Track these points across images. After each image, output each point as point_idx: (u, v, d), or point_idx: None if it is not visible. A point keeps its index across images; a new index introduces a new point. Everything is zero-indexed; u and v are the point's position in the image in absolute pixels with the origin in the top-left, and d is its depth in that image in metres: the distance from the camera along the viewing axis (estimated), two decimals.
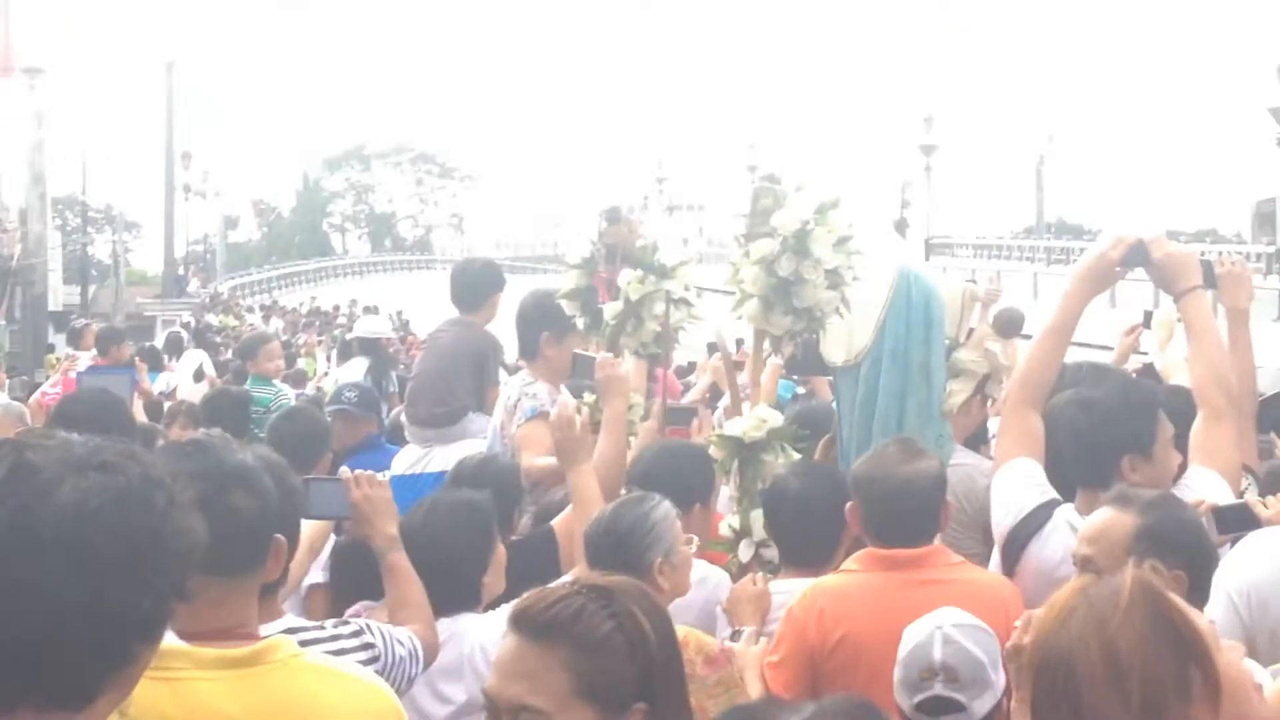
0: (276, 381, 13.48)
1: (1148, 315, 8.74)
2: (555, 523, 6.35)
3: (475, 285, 9.88)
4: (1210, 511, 4.87)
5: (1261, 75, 47.15)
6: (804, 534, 6.02)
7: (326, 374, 21.35)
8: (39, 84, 38.71)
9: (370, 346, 15.75)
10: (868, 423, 6.96)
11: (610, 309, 7.68)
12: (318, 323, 42.53)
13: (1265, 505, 5.04)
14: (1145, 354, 8.98)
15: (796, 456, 6.81)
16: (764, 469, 6.76)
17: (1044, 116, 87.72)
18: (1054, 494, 5.29)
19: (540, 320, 8.62)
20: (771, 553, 6.45)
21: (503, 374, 12.28)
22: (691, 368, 15.55)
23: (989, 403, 7.49)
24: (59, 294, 54.23)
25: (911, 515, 5.38)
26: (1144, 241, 5.49)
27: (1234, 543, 4.96)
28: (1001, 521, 5.25)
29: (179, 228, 69.70)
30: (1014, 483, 5.30)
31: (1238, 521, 4.95)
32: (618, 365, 6.91)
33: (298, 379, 19.91)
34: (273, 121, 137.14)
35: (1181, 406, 5.57)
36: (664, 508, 5.23)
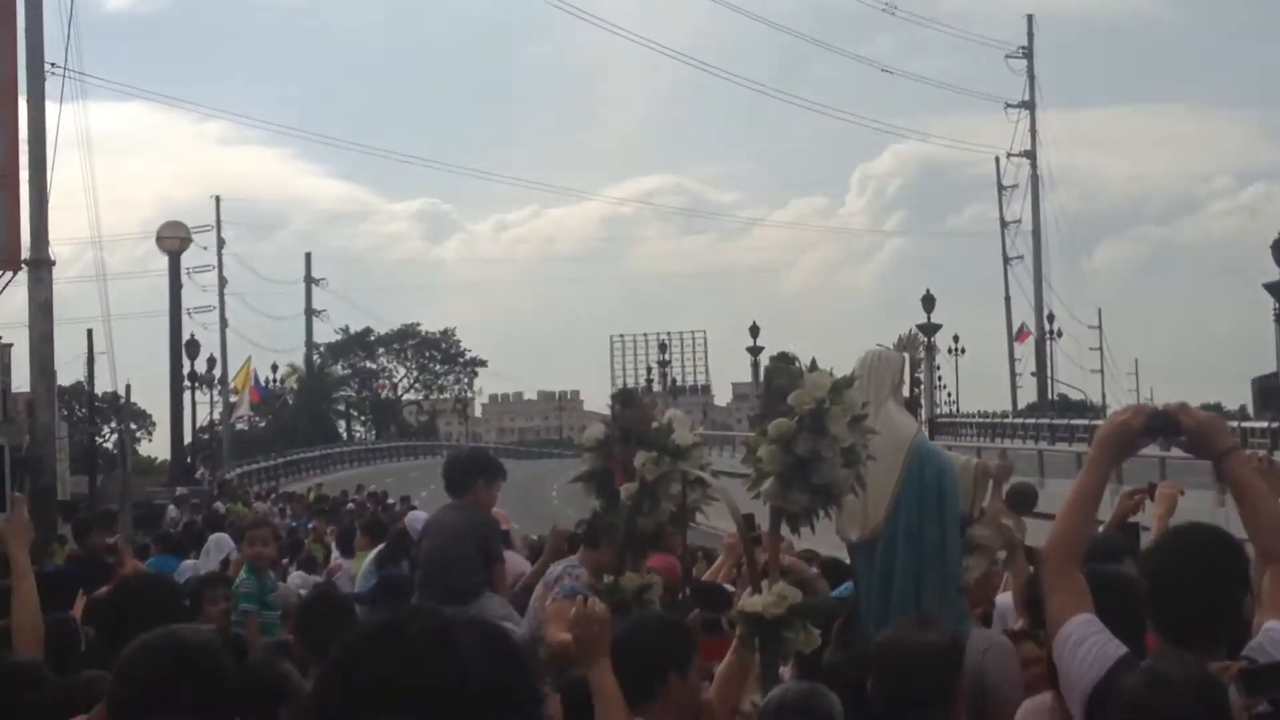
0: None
1: (1152, 486, 8.76)
2: None
3: (462, 472, 10.13)
4: (1238, 674, 4.84)
5: (1258, 252, 47.52)
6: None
7: (338, 559, 21.26)
8: (45, 276, 39.01)
9: (380, 530, 15.83)
10: (886, 600, 6.98)
11: (626, 490, 7.75)
12: (326, 509, 42.45)
13: None
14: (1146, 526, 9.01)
15: (817, 634, 6.83)
16: (785, 646, 6.78)
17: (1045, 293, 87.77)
18: (1126, 648, 5.24)
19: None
20: None
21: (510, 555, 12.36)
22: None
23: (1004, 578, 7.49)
24: (67, 483, 54.21)
25: (923, 686, 5.38)
26: (1169, 410, 5.50)
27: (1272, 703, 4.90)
28: (1083, 677, 5.15)
29: (185, 416, 69.80)
30: (1090, 638, 5.21)
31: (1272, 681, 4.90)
32: (593, 622, 5.91)
33: (307, 565, 19.87)
34: (277, 306, 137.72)
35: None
36: None
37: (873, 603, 7.01)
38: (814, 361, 7.25)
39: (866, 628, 6.98)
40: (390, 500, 46.73)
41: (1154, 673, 4.51)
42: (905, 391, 7.93)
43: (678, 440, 7.75)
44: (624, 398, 8.36)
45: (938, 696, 5.39)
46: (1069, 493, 5.44)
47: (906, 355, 8.08)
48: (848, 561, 10.30)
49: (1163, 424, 5.35)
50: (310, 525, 32.64)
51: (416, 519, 15.88)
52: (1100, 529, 8.17)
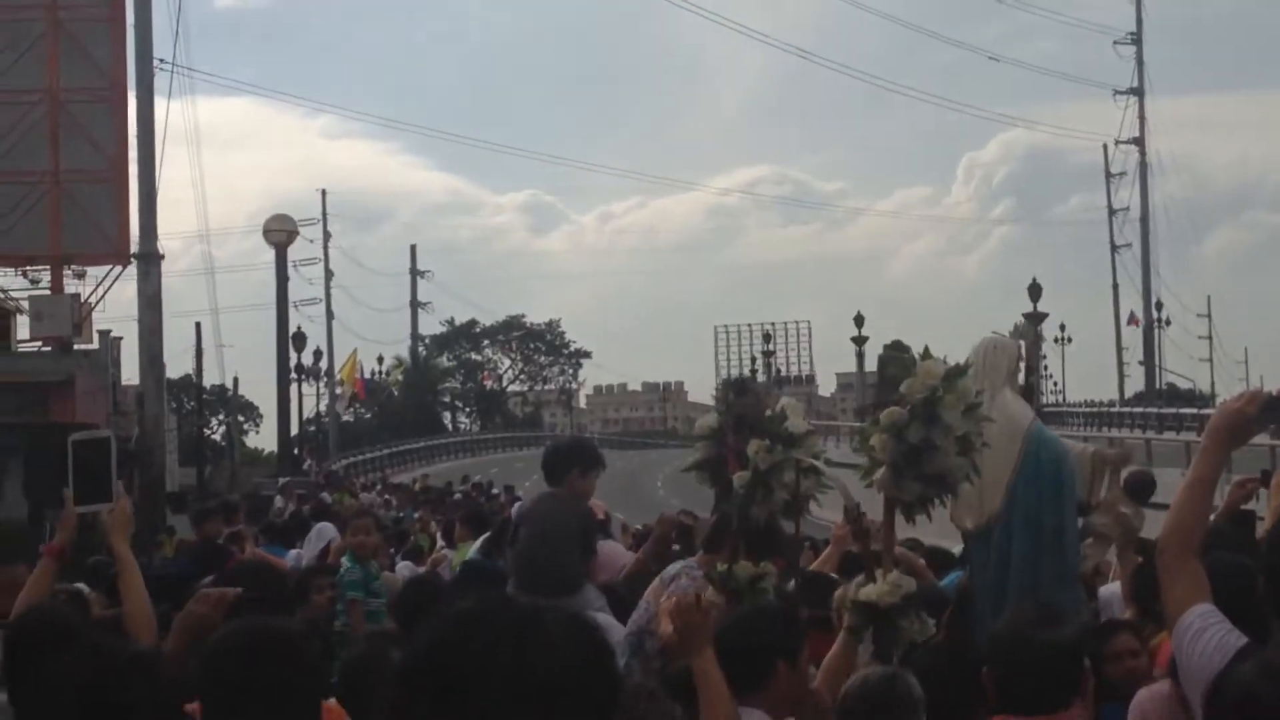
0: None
1: (1266, 475, 8.63)
2: None
3: (558, 461, 10.08)
4: None
5: None
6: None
7: (443, 549, 21.33)
8: (154, 270, 39.39)
9: (482, 521, 15.85)
10: (1002, 589, 6.89)
11: (740, 479, 7.71)
12: (431, 499, 42.63)
13: None
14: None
15: (932, 623, 6.77)
16: (900, 635, 6.72)
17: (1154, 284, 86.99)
18: (1247, 638, 5.14)
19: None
20: None
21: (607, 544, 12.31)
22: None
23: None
24: (175, 475, 54.76)
25: (1048, 682, 5.27)
26: (1274, 396, 5.40)
27: None
28: (1203, 669, 5.05)
29: (291, 408, 70.32)
30: (1211, 627, 5.11)
31: None
32: (693, 612, 5.88)
33: (413, 555, 19.92)
34: (382, 299, 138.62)
35: None
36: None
37: (989, 590, 6.93)
38: (926, 349, 7.18)
39: (983, 616, 6.88)
40: (495, 490, 46.86)
41: (1268, 663, 4.39)
42: (1020, 379, 7.84)
43: (791, 428, 7.68)
44: (737, 386, 8.31)
45: (1061, 689, 5.30)
46: (1183, 481, 5.35)
47: (1022, 343, 8.00)
48: (954, 551, 10.25)
49: (1274, 411, 5.25)
50: (415, 515, 32.81)
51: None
52: (1211, 518, 8.04)
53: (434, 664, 2.49)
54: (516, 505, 17.32)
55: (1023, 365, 7.91)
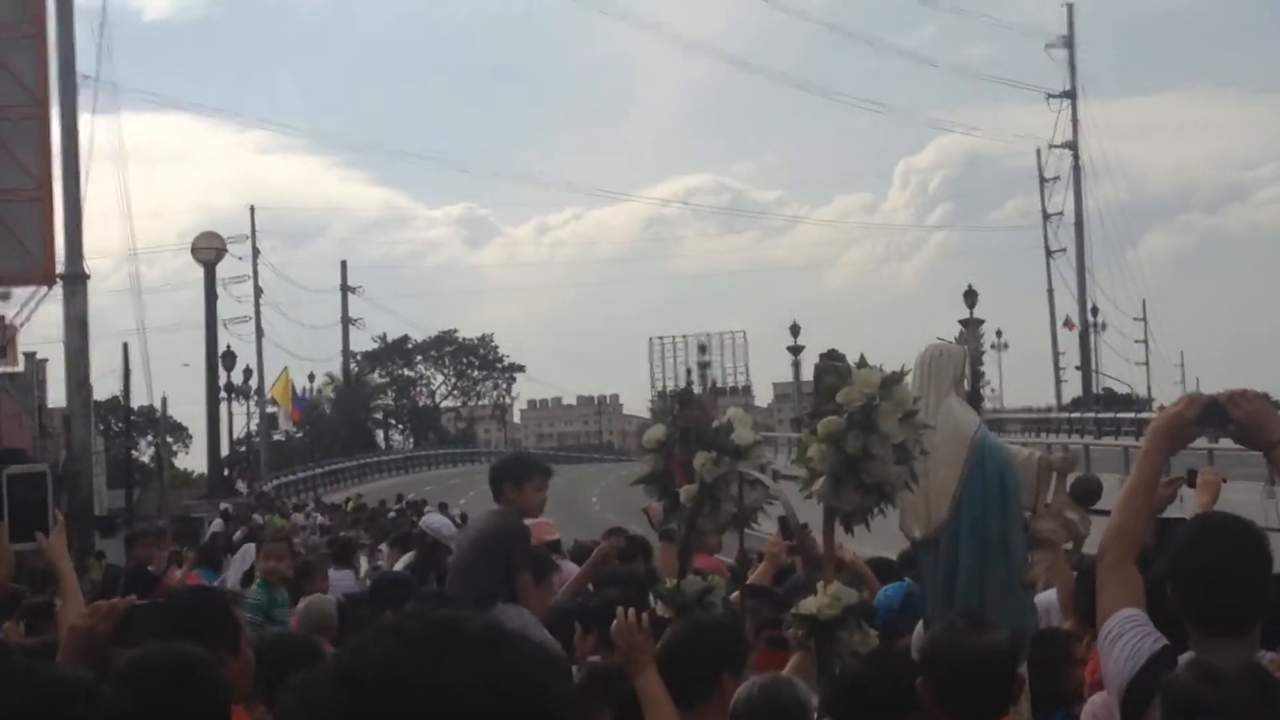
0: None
1: (1192, 474, 8.57)
2: None
3: (492, 478, 9.89)
4: None
5: None
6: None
7: (373, 569, 21.16)
8: (80, 290, 39.03)
9: (416, 541, 15.65)
10: (951, 597, 6.85)
11: (687, 492, 7.61)
12: (363, 519, 42.39)
13: None
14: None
15: (874, 634, 6.70)
16: (841, 647, 6.64)
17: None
18: (1166, 641, 5.11)
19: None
20: None
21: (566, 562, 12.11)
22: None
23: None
24: (104, 498, 54.37)
25: (980, 688, 5.27)
26: (1219, 400, 5.36)
27: None
28: (1120, 672, 5.05)
29: (221, 428, 69.99)
30: (1128, 632, 5.11)
31: None
32: (634, 633, 5.94)
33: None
34: (314, 316, 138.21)
35: None
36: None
37: (938, 599, 6.88)
38: (862, 358, 7.12)
39: (931, 625, 6.82)
40: (428, 508, 46.66)
41: (1203, 665, 4.40)
42: (966, 385, 7.78)
43: (738, 440, 7.61)
44: (683, 397, 8.21)
45: (994, 696, 5.26)
46: (1124, 487, 5.33)
47: (967, 349, 7.92)
48: (895, 561, 10.16)
49: (1213, 415, 5.24)
50: (347, 536, 32.58)
51: (430, 523, 15.70)
52: None
53: (350, 681, 2.37)
54: (423, 519, 17.15)
55: (969, 371, 7.83)
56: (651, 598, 7.74)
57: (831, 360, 7.23)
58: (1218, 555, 4.90)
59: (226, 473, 61.94)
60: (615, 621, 5.98)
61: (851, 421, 6.84)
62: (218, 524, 38.82)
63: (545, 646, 2.46)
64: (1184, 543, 5.15)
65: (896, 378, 6.98)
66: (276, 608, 11.15)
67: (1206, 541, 5.00)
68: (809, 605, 6.79)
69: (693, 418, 7.96)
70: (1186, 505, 8.63)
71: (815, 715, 5.76)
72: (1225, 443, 5.42)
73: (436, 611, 2.48)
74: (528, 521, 11.37)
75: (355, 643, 2.45)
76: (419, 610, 2.54)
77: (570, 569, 11.77)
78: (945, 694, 5.29)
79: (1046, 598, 8.29)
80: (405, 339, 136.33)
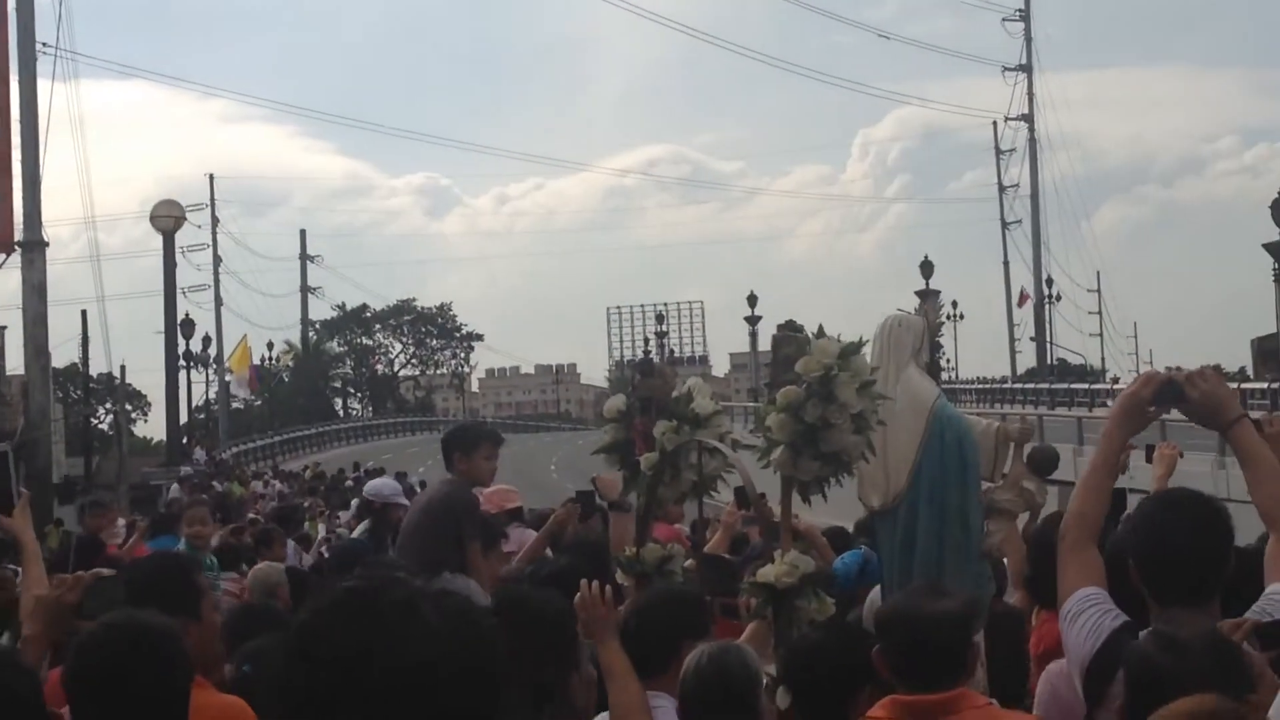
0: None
1: (1149, 449, 8.63)
2: None
3: (446, 446, 9.92)
4: (1254, 628, 4.77)
5: (1259, 212, 47.38)
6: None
7: (330, 537, 21.15)
8: (38, 258, 38.86)
9: (367, 509, 15.64)
10: (908, 566, 6.90)
11: (647, 460, 7.66)
12: (322, 487, 42.37)
13: None
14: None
15: (831, 602, 6.74)
16: (798, 615, 6.69)
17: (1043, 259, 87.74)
18: (1126, 617, 5.16)
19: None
20: None
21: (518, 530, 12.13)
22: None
23: None
24: (62, 466, 54.19)
25: (935, 656, 5.24)
26: (1175, 380, 5.41)
27: None
28: (1081, 649, 5.10)
29: (180, 396, 69.77)
30: (1086, 610, 5.16)
31: None
32: (597, 605, 5.97)
33: (304, 543, 19.73)
34: (274, 285, 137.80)
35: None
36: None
37: (895, 569, 6.93)
38: (820, 328, 7.17)
39: (889, 594, 6.87)
40: (381, 476, 46.61)
41: (1164, 635, 4.44)
42: (926, 356, 7.83)
43: (698, 409, 7.65)
44: (643, 367, 8.26)
45: (949, 664, 5.26)
46: (1086, 466, 5.37)
47: (926, 320, 7.98)
48: (850, 530, 10.23)
49: (1169, 393, 5.29)
50: (305, 504, 32.56)
51: (374, 488, 15.73)
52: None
53: (310, 656, 2.42)
54: (367, 485, 17.15)
55: (928, 342, 7.88)
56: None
57: (790, 330, 7.27)
58: (1178, 533, 4.95)
59: (185, 441, 61.81)
60: (579, 594, 6.02)
61: (810, 391, 6.87)
62: (175, 490, 38.76)
63: (471, 613, 2.51)
64: (1144, 520, 5.19)
65: (854, 347, 7.01)
66: (206, 571, 11.17)
67: (1168, 520, 5.04)
68: (766, 573, 6.81)
69: (653, 387, 8.00)
70: (1139, 477, 8.71)
71: (765, 683, 5.80)
72: (1176, 414, 5.47)
73: (361, 581, 2.52)
74: (490, 489, 11.41)
75: (308, 617, 2.48)
76: (352, 580, 2.57)
77: (530, 536, 11.82)
78: (900, 662, 5.27)
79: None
80: (364, 308, 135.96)
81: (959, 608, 5.43)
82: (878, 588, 7.92)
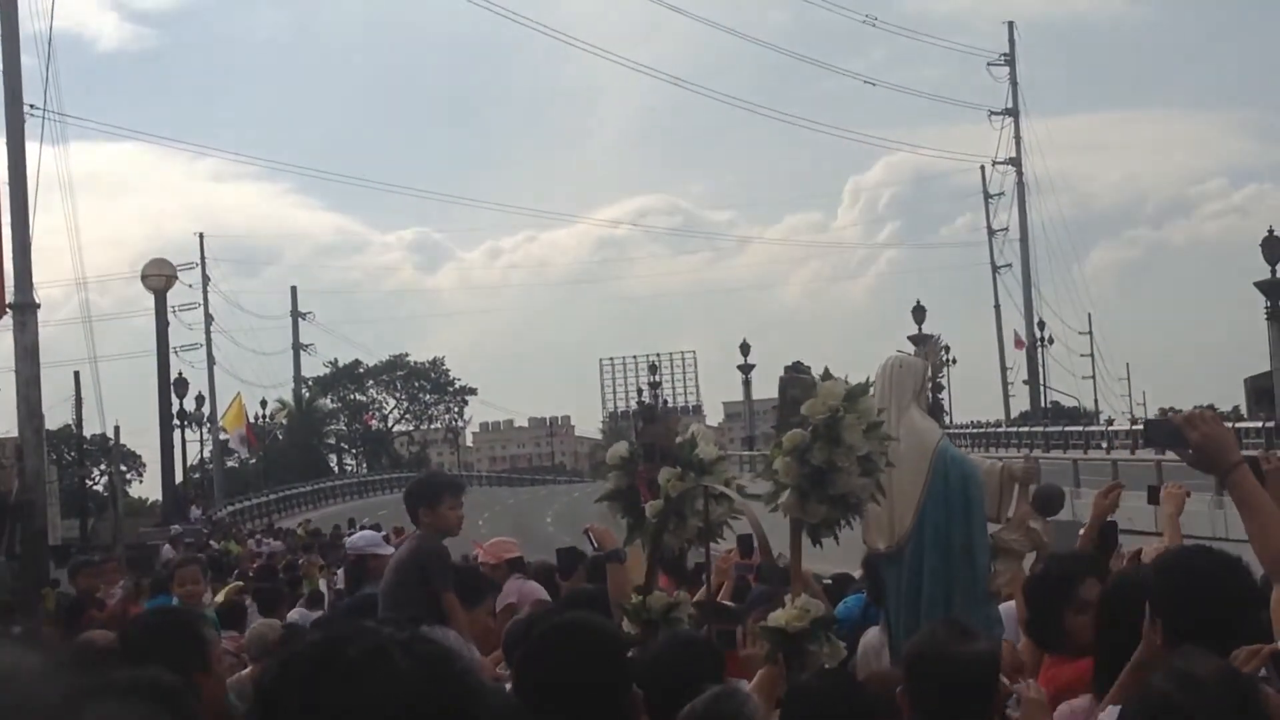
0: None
1: (1153, 490, 8.57)
2: None
3: (409, 502, 9.88)
4: (1270, 656, 4.72)
5: (1250, 252, 47.40)
6: None
7: (336, 591, 21.08)
8: (30, 320, 38.82)
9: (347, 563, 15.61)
10: (915, 608, 6.86)
11: (652, 508, 7.62)
12: (317, 544, 42.26)
13: None
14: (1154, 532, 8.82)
15: (842, 646, 6.70)
16: (810, 659, 6.64)
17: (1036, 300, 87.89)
18: None
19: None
20: None
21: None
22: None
23: None
24: (58, 528, 54.01)
25: (968, 697, 5.21)
26: (1173, 422, 5.35)
27: None
28: None
29: (175, 455, 69.60)
30: None
31: None
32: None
33: (315, 601, 19.65)
34: (266, 342, 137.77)
35: None
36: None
37: (903, 610, 6.89)
38: (826, 370, 7.12)
39: (897, 636, 6.83)
40: (383, 532, 46.47)
41: (1180, 672, 4.35)
42: (928, 398, 7.81)
43: (702, 455, 7.61)
44: (646, 413, 8.23)
45: (981, 705, 5.22)
46: (1255, 517, 5.24)
47: (928, 361, 7.96)
48: (856, 576, 10.19)
49: (1168, 435, 5.23)
50: (300, 561, 32.46)
51: (351, 541, 15.66)
52: (1081, 530, 7.99)
53: (281, 705, 2.42)
54: (348, 539, 17.10)
55: (930, 383, 7.87)
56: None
57: (796, 372, 7.24)
58: (1207, 598, 4.89)
59: (183, 499, 61.63)
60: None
61: (816, 434, 6.85)
62: (168, 550, 38.61)
63: (445, 658, 2.50)
64: (1171, 583, 5.13)
65: (861, 389, 6.98)
66: None
67: (1194, 586, 4.97)
68: (777, 618, 6.78)
69: (656, 433, 7.97)
70: (1136, 519, 8.66)
71: None
72: (1171, 454, 5.41)
73: (330, 631, 2.54)
74: (489, 541, 11.37)
75: (276, 667, 2.50)
76: (320, 632, 2.59)
77: (533, 588, 11.77)
78: (931, 702, 5.24)
79: (1008, 608, 8.29)
80: (356, 364, 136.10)
81: (990, 648, 5.39)
82: (872, 629, 7.87)
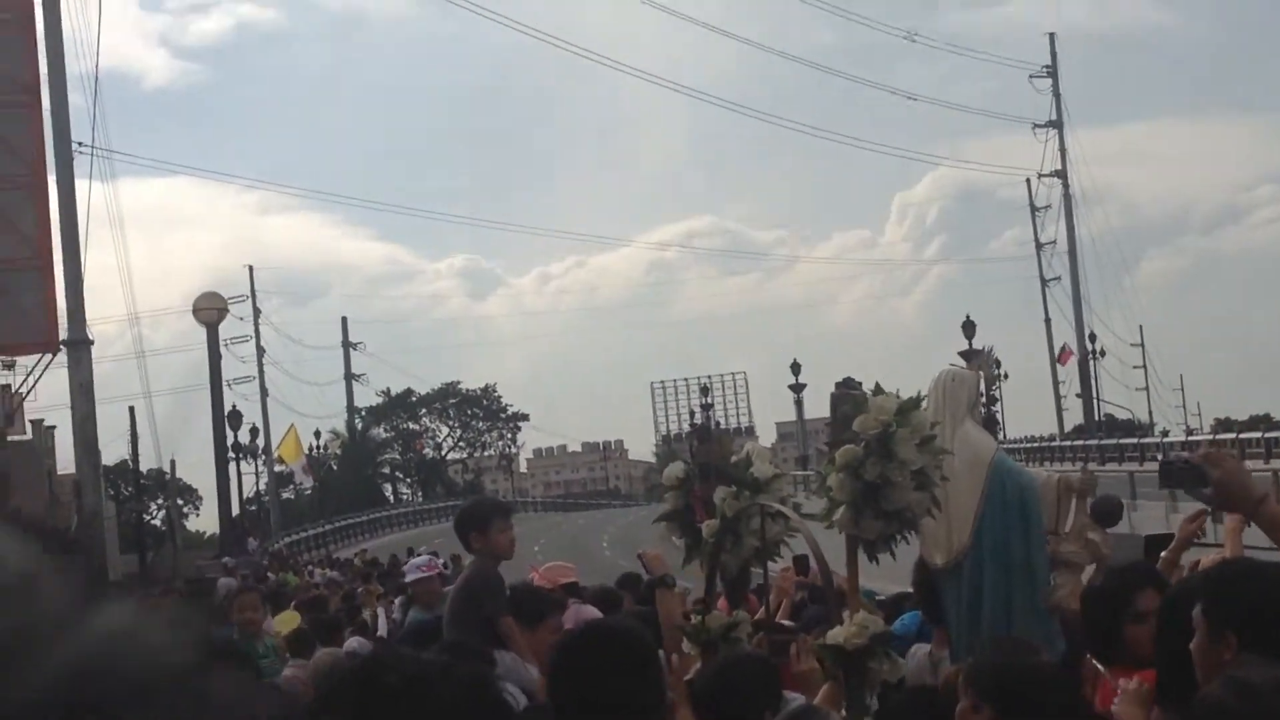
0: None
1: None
2: None
3: (460, 530, 9.86)
4: None
5: None
6: None
7: (392, 620, 21.11)
8: (84, 356, 39.05)
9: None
10: (975, 624, 6.81)
11: (709, 528, 7.60)
12: (375, 574, 42.30)
13: None
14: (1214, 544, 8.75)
15: (902, 662, 6.66)
16: (870, 676, 6.60)
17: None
18: None
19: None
20: None
21: None
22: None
23: None
24: (117, 563, 54.23)
25: (1054, 707, 5.11)
26: (1193, 461, 5.23)
27: None
28: None
29: (231, 488, 69.85)
30: None
31: None
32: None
33: (362, 630, 19.67)
34: (318, 373, 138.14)
35: None
36: None
37: (962, 626, 6.84)
38: (877, 385, 7.09)
39: (958, 652, 6.78)
40: (441, 559, 46.46)
41: (1237, 680, 4.30)
42: (981, 411, 7.77)
43: (757, 474, 7.59)
44: (701, 434, 8.22)
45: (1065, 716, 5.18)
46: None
47: (981, 374, 7.91)
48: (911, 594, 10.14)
49: (1188, 476, 5.12)
50: (359, 590, 32.49)
51: (408, 565, 15.69)
52: (1163, 554, 7.93)
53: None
54: (407, 565, 17.10)
55: (984, 396, 7.83)
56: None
57: (847, 388, 7.22)
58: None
59: (241, 530, 61.83)
60: None
61: (869, 449, 6.83)
62: (226, 583, 38.70)
63: (484, 684, 2.52)
64: (1256, 598, 5.06)
65: (913, 403, 6.95)
66: (259, 659, 11.18)
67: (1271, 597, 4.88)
68: (836, 635, 6.75)
69: (711, 453, 7.95)
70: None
71: None
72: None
73: (375, 658, 2.57)
74: (546, 565, 11.35)
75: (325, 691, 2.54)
76: (360, 660, 2.61)
77: (590, 613, 11.74)
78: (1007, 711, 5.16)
79: None
80: (409, 393, 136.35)
81: (1059, 667, 5.33)
82: (918, 645, 7.83)
